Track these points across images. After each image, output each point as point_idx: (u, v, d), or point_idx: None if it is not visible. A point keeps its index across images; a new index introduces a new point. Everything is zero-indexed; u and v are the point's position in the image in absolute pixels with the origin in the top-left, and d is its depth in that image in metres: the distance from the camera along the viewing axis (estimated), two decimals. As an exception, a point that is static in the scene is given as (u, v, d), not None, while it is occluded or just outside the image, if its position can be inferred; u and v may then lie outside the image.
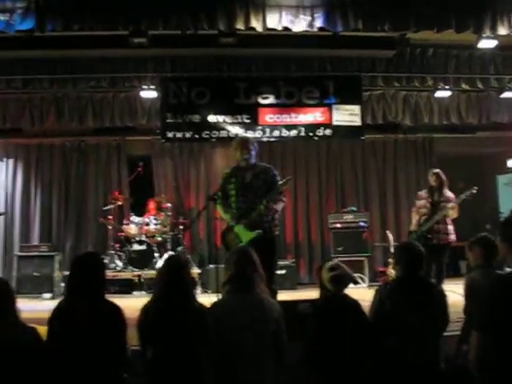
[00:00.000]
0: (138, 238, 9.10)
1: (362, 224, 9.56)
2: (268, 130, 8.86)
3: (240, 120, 8.79)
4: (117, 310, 3.53)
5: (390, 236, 8.69)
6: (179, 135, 8.80)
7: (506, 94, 9.10)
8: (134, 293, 8.76)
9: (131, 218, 9.35)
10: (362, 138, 9.32)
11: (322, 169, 10.50)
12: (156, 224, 9.27)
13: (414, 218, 6.98)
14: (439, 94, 9.21)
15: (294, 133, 8.94)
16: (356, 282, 4.24)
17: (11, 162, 10.11)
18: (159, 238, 9.24)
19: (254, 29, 6.87)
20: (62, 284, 8.58)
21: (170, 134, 8.83)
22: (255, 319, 3.52)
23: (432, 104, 9.58)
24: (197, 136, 8.85)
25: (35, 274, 8.75)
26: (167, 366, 3.41)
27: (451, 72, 8.81)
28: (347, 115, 8.92)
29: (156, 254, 8.99)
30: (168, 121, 8.76)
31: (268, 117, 8.87)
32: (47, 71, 8.37)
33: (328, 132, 8.98)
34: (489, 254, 4.11)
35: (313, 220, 10.37)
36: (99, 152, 10.26)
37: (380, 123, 9.72)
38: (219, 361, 3.49)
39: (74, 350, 3.35)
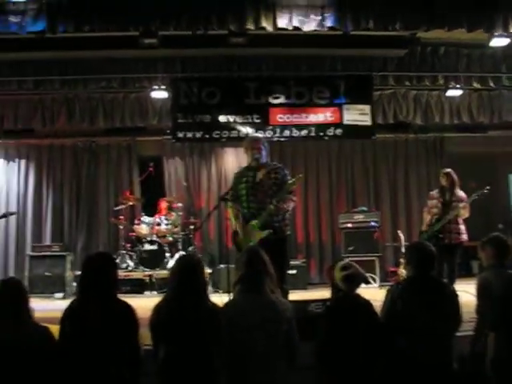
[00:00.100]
0: (149, 238, 9.12)
1: (373, 224, 9.51)
2: (278, 130, 8.87)
3: (250, 120, 8.81)
4: (129, 309, 3.54)
5: (401, 236, 8.66)
6: (190, 135, 8.83)
7: (518, 93, 9.05)
8: (146, 293, 8.78)
9: (142, 218, 9.38)
10: (373, 137, 9.30)
11: (332, 169, 10.47)
12: (167, 224, 9.29)
13: (426, 218, 6.97)
14: (450, 93, 9.17)
15: (304, 133, 8.94)
16: (368, 282, 4.24)
17: (23, 162, 10.17)
18: (170, 238, 9.26)
19: (264, 29, 6.87)
20: (74, 284, 8.62)
21: (180, 134, 8.86)
22: (266, 319, 3.52)
23: (443, 103, 9.53)
24: (207, 136, 8.88)
25: (47, 273, 8.78)
26: (179, 365, 3.40)
27: (462, 71, 8.77)
28: (358, 115, 8.91)
29: (167, 254, 9.00)
30: (179, 121, 8.79)
31: (278, 117, 8.87)
32: (58, 72, 8.42)
33: (338, 132, 8.97)
34: (501, 254, 4.09)
35: (323, 220, 10.35)
36: (110, 152, 10.30)
37: (391, 123, 9.68)
38: (231, 361, 3.49)
39: (85, 350, 3.36)
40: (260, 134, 8.26)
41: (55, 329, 3.49)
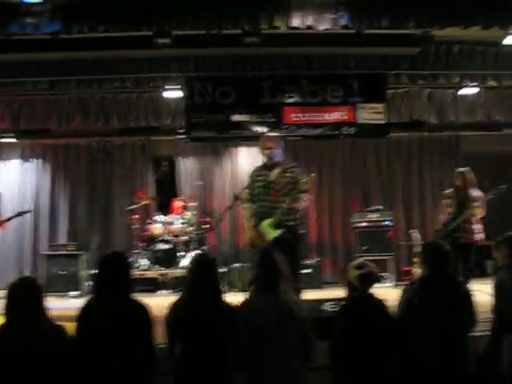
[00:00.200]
0: (162, 238, 9.15)
1: (386, 223, 9.48)
2: (292, 129, 8.86)
3: (265, 119, 8.81)
4: (143, 308, 3.56)
5: (415, 235, 8.61)
6: (204, 135, 8.85)
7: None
8: (159, 292, 8.82)
9: (156, 218, 9.42)
10: (387, 136, 9.26)
11: (346, 167, 10.42)
12: (181, 223, 9.31)
13: (441, 217, 6.93)
14: (465, 91, 9.10)
15: (318, 131, 8.93)
16: (381, 281, 4.24)
17: (39, 162, 10.25)
18: (184, 238, 9.28)
19: (277, 28, 6.87)
20: (88, 282, 8.67)
21: (194, 134, 8.88)
22: (281, 319, 3.52)
23: (458, 101, 9.46)
24: (221, 135, 8.89)
25: (62, 272, 8.86)
26: (195, 363, 3.42)
27: (477, 69, 8.69)
28: (371, 113, 8.88)
29: (181, 253, 9.03)
30: (193, 120, 8.81)
31: (293, 116, 8.86)
32: (73, 73, 8.44)
33: (352, 130, 8.95)
34: (516, 254, 4.07)
35: (337, 219, 10.31)
36: (124, 152, 10.34)
37: (405, 121, 9.64)
38: (246, 360, 3.50)
39: (100, 348, 3.39)
40: (275, 133, 8.28)
41: (70, 326, 3.52)
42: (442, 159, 10.48)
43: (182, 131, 9.15)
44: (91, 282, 8.36)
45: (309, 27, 6.86)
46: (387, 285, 8.66)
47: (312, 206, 9.49)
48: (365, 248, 9.27)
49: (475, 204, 6.57)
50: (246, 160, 10.02)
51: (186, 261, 8.89)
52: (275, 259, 3.74)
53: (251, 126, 8.81)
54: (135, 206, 9.48)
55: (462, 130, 10.29)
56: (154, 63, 8.52)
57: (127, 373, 3.39)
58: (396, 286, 8.48)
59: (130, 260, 7.74)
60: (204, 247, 9.23)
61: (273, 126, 8.73)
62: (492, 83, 8.91)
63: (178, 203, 9.58)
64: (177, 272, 8.78)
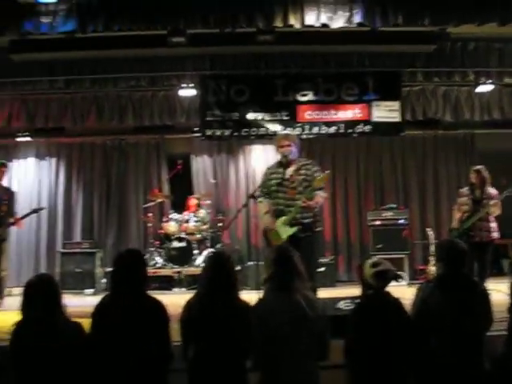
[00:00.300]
0: (177, 235, 9.18)
1: (401, 221, 9.44)
2: (307, 127, 8.84)
3: (279, 117, 8.80)
4: (159, 305, 3.57)
5: (431, 234, 8.57)
6: (218, 133, 8.85)
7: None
8: (174, 289, 8.86)
9: (171, 216, 9.45)
10: (402, 134, 9.22)
11: (360, 165, 10.39)
12: (195, 221, 9.34)
13: (456, 216, 6.89)
14: (480, 88, 9.04)
15: (333, 129, 8.90)
16: (398, 278, 4.21)
17: (54, 160, 10.31)
18: (198, 236, 9.30)
19: (292, 26, 6.86)
20: (104, 280, 8.73)
21: (209, 132, 8.89)
22: (296, 318, 3.51)
23: (473, 99, 9.39)
24: (236, 134, 8.89)
25: (77, 270, 8.92)
26: (210, 362, 3.43)
27: (493, 66, 8.61)
28: (387, 111, 8.84)
29: (195, 251, 9.06)
30: (207, 119, 8.82)
31: (307, 114, 8.85)
32: (88, 71, 8.49)
33: (367, 128, 8.91)
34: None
35: (352, 217, 10.29)
36: (139, 150, 10.38)
37: (420, 119, 9.58)
38: (262, 359, 3.50)
39: (116, 345, 3.41)
40: (289, 131, 8.28)
41: (86, 323, 3.54)
42: (457, 157, 10.41)
43: (196, 129, 9.18)
44: (106, 280, 8.44)
45: (323, 25, 6.85)
46: (402, 284, 8.62)
47: (327, 203, 9.48)
48: (379, 246, 9.24)
49: (491, 202, 6.53)
50: (261, 158, 10.02)
51: (200, 259, 8.93)
52: (291, 258, 3.73)
53: (265, 123, 8.81)
54: (150, 204, 9.52)
55: (478, 128, 10.21)
56: (168, 62, 8.55)
57: (142, 370, 3.40)
58: (410, 284, 8.44)
59: (145, 258, 7.77)
60: (219, 245, 9.25)
61: (287, 124, 8.74)
62: (508, 80, 8.83)
63: (192, 201, 9.60)
64: (191, 270, 8.81)
